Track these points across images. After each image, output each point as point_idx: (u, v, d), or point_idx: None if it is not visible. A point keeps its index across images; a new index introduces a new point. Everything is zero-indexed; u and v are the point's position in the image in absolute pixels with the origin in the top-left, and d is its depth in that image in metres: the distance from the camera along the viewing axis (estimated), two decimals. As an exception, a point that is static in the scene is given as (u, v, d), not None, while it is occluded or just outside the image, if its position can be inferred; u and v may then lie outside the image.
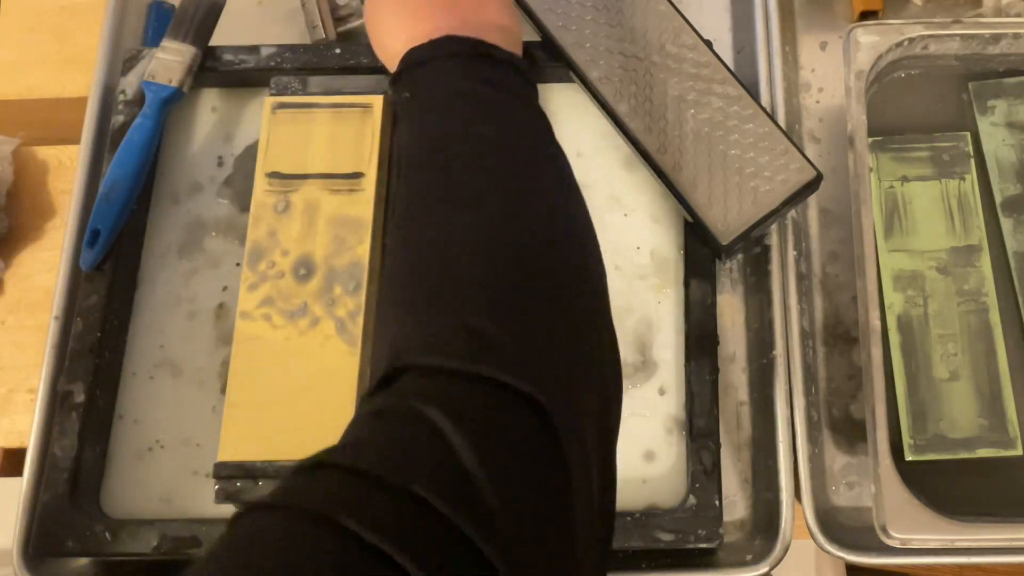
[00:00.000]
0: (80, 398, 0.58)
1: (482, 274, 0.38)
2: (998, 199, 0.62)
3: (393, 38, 0.49)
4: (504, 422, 0.33)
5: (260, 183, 0.60)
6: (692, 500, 0.55)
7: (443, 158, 0.43)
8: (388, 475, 0.30)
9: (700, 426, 0.57)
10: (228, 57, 0.65)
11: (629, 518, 0.55)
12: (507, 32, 0.49)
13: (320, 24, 0.67)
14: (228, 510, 0.55)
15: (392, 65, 0.49)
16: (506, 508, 0.31)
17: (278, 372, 0.55)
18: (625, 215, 0.63)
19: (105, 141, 0.64)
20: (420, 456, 0.31)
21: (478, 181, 0.42)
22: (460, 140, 0.43)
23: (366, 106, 0.61)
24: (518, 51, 0.50)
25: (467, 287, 0.37)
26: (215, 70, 0.65)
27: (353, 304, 0.56)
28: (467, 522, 0.29)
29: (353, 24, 0.69)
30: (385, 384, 0.35)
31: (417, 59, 0.47)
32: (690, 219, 0.60)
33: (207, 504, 0.55)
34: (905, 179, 0.62)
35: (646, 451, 0.59)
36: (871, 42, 0.61)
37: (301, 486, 0.31)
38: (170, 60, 0.63)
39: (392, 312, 0.39)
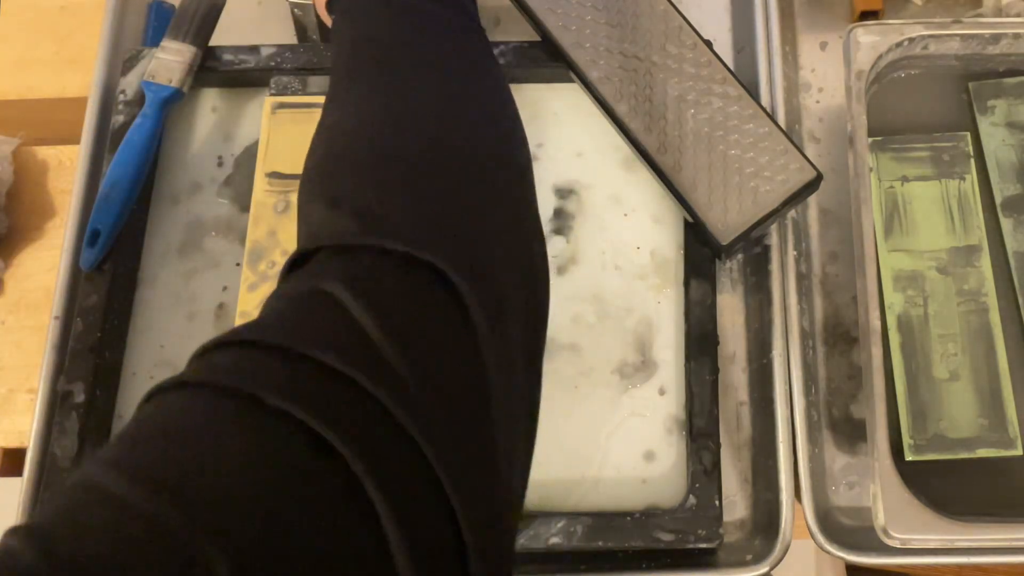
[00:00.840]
0: (80, 398, 0.58)
1: (383, 154, 0.38)
2: (998, 199, 0.62)
3: None
4: (401, 287, 0.33)
5: (260, 183, 0.60)
6: (692, 500, 0.55)
7: (358, 51, 0.44)
8: (289, 345, 0.30)
9: (700, 426, 0.57)
10: (228, 57, 0.65)
11: (629, 518, 0.55)
12: None
13: (316, 38, 0.68)
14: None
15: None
16: (410, 366, 0.31)
17: (278, 372, 0.55)
18: (625, 215, 0.63)
19: (105, 141, 0.64)
20: (319, 325, 0.32)
21: (384, 72, 0.42)
22: (372, 37, 0.44)
23: (366, 106, 0.61)
24: None
25: (367, 168, 0.38)
26: (215, 70, 0.65)
27: (353, 304, 0.56)
28: (369, 380, 0.29)
29: None
30: (289, 272, 0.36)
31: None
32: (690, 219, 0.60)
33: (207, 504, 0.55)
34: (905, 179, 0.62)
35: (646, 451, 0.59)
36: (871, 42, 0.61)
37: (206, 365, 0.31)
38: (170, 60, 0.63)
39: (304, 204, 0.39)
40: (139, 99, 0.63)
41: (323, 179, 0.39)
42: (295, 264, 0.36)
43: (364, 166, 0.38)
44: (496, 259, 0.36)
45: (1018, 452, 0.57)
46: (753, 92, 0.62)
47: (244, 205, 0.64)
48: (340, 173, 0.39)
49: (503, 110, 0.44)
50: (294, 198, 0.59)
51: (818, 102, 0.69)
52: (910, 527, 0.52)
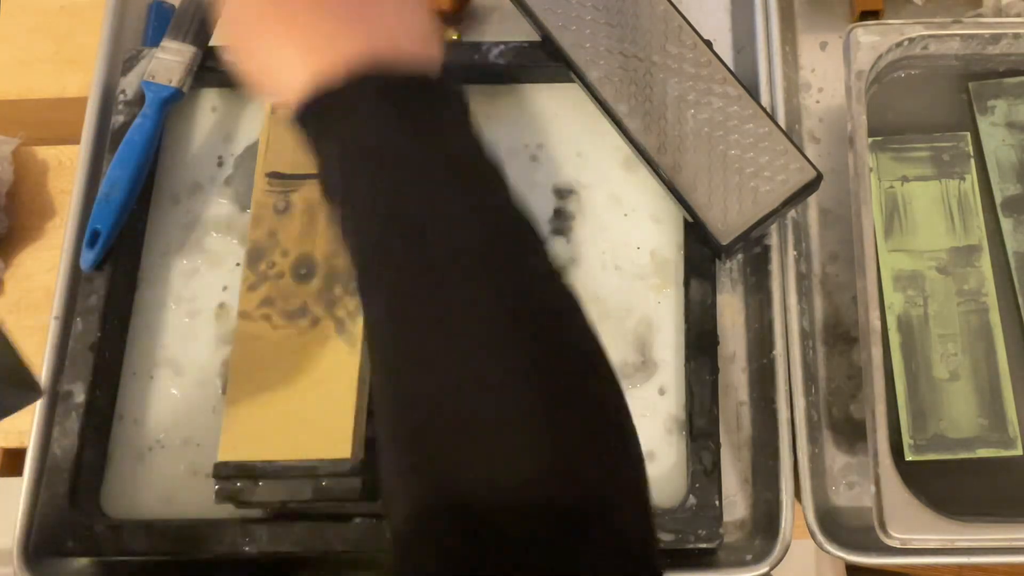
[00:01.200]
0: (80, 398, 0.58)
1: (483, 419, 0.35)
2: (998, 199, 0.62)
3: (287, 68, 0.40)
4: None
5: (260, 183, 0.60)
6: (692, 500, 0.55)
7: (411, 253, 0.38)
8: None
9: (700, 426, 0.57)
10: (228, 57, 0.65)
11: (629, 518, 0.55)
12: (427, 40, 0.42)
13: None
14: (228, 510, 0.55)
15: (287, 95, 0.40)
16: None
17: (278, 372, 0.55)
18: (625, 215, 0.63)
19: (105, 141, 0.64)
20: None
21: (458, 279, 0.37)
22: (428, 226, 0.38)
23: (366, 106, 0.61)
24: (438, 54, 0.42)
25: (468, 439, 0.35)
26: (215, 70, 0.65)
27: (353, 304, 0.56)
28: None
29: None
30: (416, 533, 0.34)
31: (338, 103, 0.39)
32: (690, 219, 0.60)
33: (207, 504, 0.55)
34: (905, 179, 0.62)
35: (646, 451, 0.58)
36: (871, 42, 0.61)
37: None
38: (170, 60, 0.63)
39: (398, 459, 0.36)
40: (139, 99, 0.63)
41: (418, 450, 0.36)
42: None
43: (465, 439, 0.35)
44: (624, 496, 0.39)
45: (1018, 452, 0.57)
46: (753, 92, 0.62)
47: (244, 205, 0.64)
48: (434, 440, 0.35)
49: (564, 287, 0.40)
50: (294, 198, 0.59)
51: (818, 102, 0.70)
52: (910, 527, 0.52)
